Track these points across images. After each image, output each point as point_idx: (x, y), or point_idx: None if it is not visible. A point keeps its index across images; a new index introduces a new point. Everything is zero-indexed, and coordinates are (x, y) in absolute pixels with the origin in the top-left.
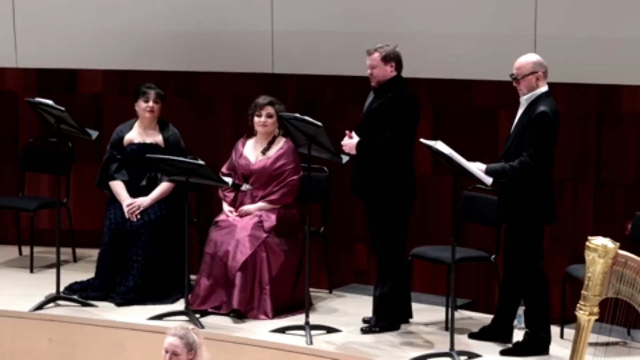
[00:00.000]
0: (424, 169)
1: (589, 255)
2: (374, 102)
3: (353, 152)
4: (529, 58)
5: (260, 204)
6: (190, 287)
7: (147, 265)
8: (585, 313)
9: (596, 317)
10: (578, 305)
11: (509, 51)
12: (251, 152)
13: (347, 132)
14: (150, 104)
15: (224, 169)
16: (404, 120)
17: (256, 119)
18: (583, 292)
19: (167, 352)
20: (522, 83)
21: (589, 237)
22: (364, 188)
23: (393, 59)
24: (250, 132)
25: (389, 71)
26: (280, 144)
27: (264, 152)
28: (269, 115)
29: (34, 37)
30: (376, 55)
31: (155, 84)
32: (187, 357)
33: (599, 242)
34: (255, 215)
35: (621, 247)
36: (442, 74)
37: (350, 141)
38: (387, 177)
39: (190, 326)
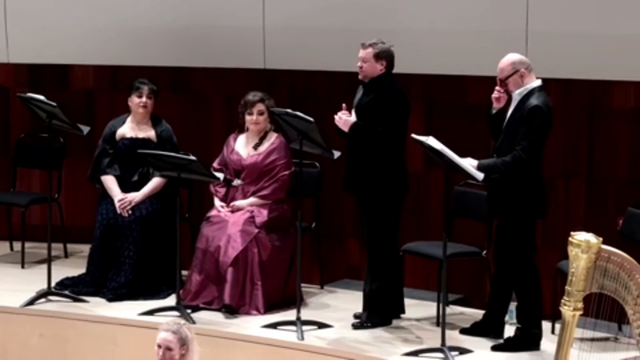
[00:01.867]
0: (415, 164)
1: (572, 251)
2: (364, 98)
3: (345, 128)
4: (508, 59)
5: (252, 200)
6: (182, 283)
7: (139, 260)
8: (570, 308)
9: (580, 312)
10: (562, 300)
11: (501, 47)
12: (243, 147)
13: (344, 105)
14: (144, 99)
15: (215, 164)
16: (393, 116)
17: (248, 117)
18: (567, 287)
19: (160, 347)
20: (508, 84)
21: (572, 233)
22: (356, 184)
23: (385, 57)
24: (242, 128)
25: (378, 69)
26: (272, 139)
27: (255, 147)
28: (260, 113)
29: (26, 32)
30: (369, 50)
31: (148, 80)
32: (179, 352)
33: (581, 237)
34: (247, 210)
35: (613, 243)
36: (434, 69)
37: (347, 118)
38: (379, 173)
39: (182, 321)
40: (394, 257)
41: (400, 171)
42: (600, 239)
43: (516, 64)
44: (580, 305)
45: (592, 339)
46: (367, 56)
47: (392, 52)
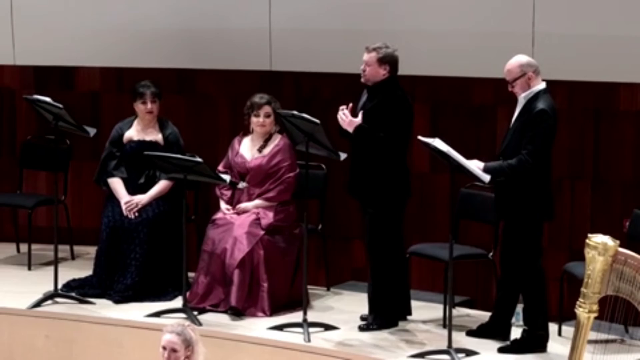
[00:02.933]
0: (421, 166)
1: (588, 253)
2: (368, 103)
3: (350, 129)
4: (517, 61)
5: (257, 202)
6: (188, 285)
7: (145, 262)
8: (585, 311)
9: (595, 314)
10: (577, 302)
11: (507, 48)
12: (247, 150)
13: (350, 105)
14: (149, 106)
15: (220, 167)
16: (397, 122)
17: (254, 119)
18: (582, 289)
19: (165, 349)
20: (515, 86)
21: (589, 235)
22: (359, 188)
23: (388, 62)
24: (247, 130)
25: (381, 73)
26: (276, 140)
27: (260, 149)
28: (267, 115)
29: (32, 34)
30: (373, 54)
31: (152, 81)
32: (184, 353)
33: (599, 239)
34: (253, 212)
35: (619, 245)
36: (440, 71)
37: (353, 118)
38: (382, 178)
39: (187, 323)
40: (398, 260)
41: (403, 176)
42: (617, 241)
43: (524, 67)
44: (595, 307)
45: (601, 341)
46: (371, 60)
47: (396, 56)
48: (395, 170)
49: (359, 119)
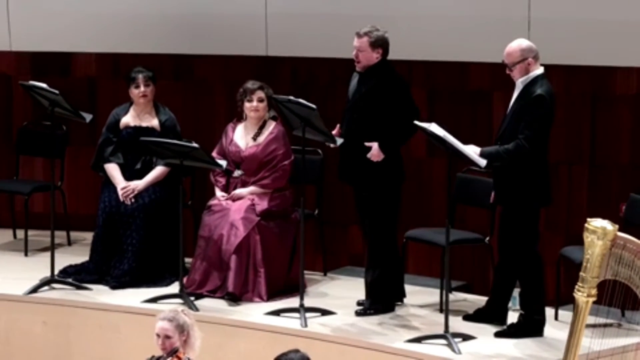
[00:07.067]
0: (418, 151)
1: (587, 237)
2: (362, 87)
3: (381, 157)
4: (517, 45)
5: (252, 188)
6: (185, 270)
7: (142, 248)
8: (584, 295)
9: (594, 298)
10: (576, 287)
11: (503, 33)
12: (241, 138)
13: (338, 126)
14: (142, 89)
15: (214, 154)
16: (397, 104)
17: (247, 105)
18: (581, 273)
19: (158, 336)
20: (514, 70)
21: (588, 219)
22: (352, 174)
23: (381, 45)
24: (240, 117)
25: (374, 57)
26: (270, 128)
27: (254, 138)
28: (260, 100)
29: (28, 20)
30: (365, 39)
31: (147, 67)
32: (179, 338)
33: (598, 224)
34: (248, 198)
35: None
36: (437, 56)
37: (374, 152)
38: (375, 163)
39: (180, 308)
40: (394, 245)
41: (396, 160)
42: (616, 226)
43: (525, 52)
44: (594, 291)
45: (599, 325)
46: (363, 45)
47: (387, 39)
48: (389, 154)
49: (375, 146)
